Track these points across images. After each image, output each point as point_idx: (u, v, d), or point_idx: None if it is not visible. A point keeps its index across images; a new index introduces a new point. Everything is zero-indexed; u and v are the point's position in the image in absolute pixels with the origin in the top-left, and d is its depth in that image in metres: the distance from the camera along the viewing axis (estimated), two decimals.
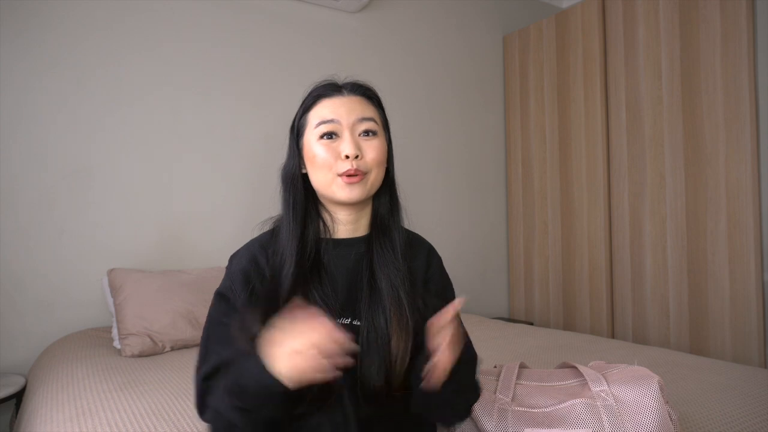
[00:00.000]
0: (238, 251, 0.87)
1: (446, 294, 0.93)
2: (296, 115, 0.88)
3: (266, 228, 0.90)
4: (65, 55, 1.98)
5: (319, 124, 0.82)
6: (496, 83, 3.16)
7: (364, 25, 2.68)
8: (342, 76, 0.90)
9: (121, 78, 2.08)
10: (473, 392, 0.87)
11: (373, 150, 0.83)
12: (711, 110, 2.21)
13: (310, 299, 0.79)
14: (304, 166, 0.86)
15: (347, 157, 0.80)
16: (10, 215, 1.87)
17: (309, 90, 0.88)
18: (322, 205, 0.87)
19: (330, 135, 0.82)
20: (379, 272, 0.83)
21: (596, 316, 2.66)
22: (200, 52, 2.24)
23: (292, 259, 0.81)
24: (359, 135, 0.83)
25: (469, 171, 3.03)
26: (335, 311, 0.79)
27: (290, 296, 0.78)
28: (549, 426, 0.85)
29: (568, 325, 2.79)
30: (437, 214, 2.89)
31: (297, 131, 0.87)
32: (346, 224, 0.87)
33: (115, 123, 2.06)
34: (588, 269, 2.70)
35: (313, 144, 0.83)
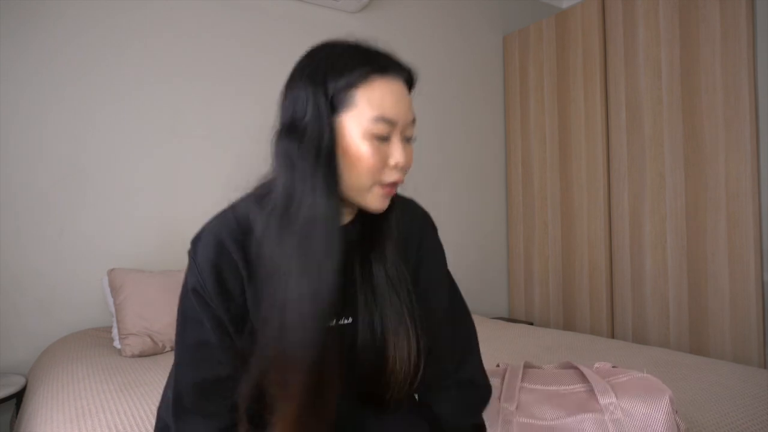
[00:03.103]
0: (202, 235, 0.73)
1: (440, 277, 0.86)
2: (325, 76, 0.67)
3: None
4: (65, 55, 1.98)
5: (378, 120, 0.66)
6: (496, 83, 3.16)
7: (364, 25, 2.68)
8: (378, 44, 0.73)
9: (121, 78, 2.08)
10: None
11: (411, 159, 0.71)
12: (711, 110, 2.21)
13: None
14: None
15: (396, 165, 0.68)
16: (10, 215, 1.87)
17: (347, 50, 0.70)
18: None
19: (384, 137, 0.67)
20: (375, 265, 0.74)
21: (596, 316, 2.66)
22: (200, 52, 2.24)
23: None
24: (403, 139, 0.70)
25: (469, 171, 3.03)
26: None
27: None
28: None
29: (568, 325, 2.79)
30: (437, 214, 2.87)
31: (331, 102, 0.67)
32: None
33: (115, 122, 2.06)
34: (588, 269, 2.70)
35: (358, 140, 0.66)
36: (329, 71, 0.67)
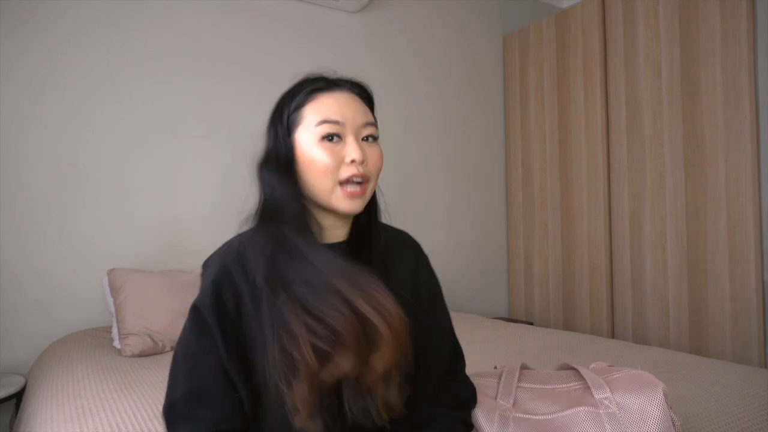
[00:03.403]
0: (211, 259, 0.80)
1: (437, 301, 0.91)
2: (282, 107, 0.79)
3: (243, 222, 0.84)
4: (65, 55, 1.98)
5: (321, 123, 0.75)
6: (496, 83, 3.16)
7: (364, 25, 2.68)
8: (331, 72, 0.83)
9: (121, 78, 2.08)
10: None
11: (375, 157, 0.78)
12: (711, 110, 2.21)
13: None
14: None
15: (352, 161, 0.75)
16: (10, 215, 1.87)
17: (298, 81, 0.81)
18: (308, 210, 0.79)
19: (332, 137, 0.75)
20: None
21: (596, 316, 2.66)
22: (200, 52, 2.24)
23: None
24: (362, 140, 0.78)
25: (469, 171, 3.03)
26: None
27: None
28: None
29: (568, 325, 2.79)
30: (437, 214, 2.89)
31: (287, 127, 0.78)
32: (330, 229, 0.81)
33: (115, 122, 2.06)
34: (588, 269, 2.70)
35: (311, 146, 0.75)
36: (284, 102, 0.79)
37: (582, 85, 2.71)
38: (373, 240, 0.83)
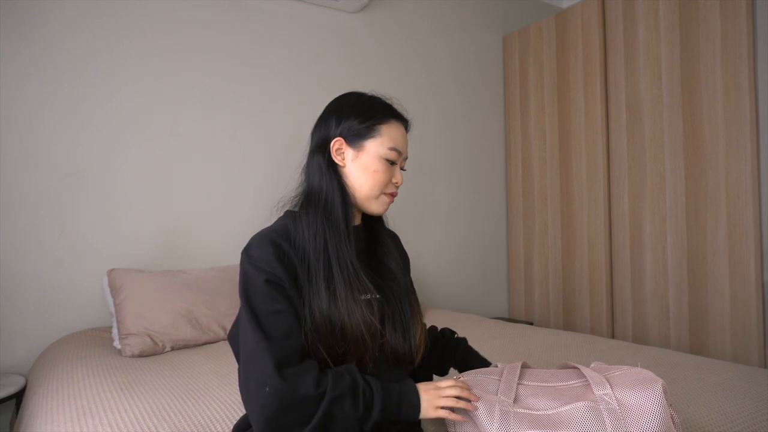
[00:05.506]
0: (253, 242, 0.90)
1: (408, 270, 1.13)
2: (354, 110, 0.96)
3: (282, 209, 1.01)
4: (65, 54, 1.98)
5: (393, 149, 0.96)
6: (496, 83, 3.16)
7: (364, 25, 2.68)
8: (397, 101, 1.02)
9: (121, 78, 2.08)
10: None
11: (401, 182, 1.01)
12: (711, 110, 2.21)
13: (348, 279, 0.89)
14: (342, 158, 0.96)
15: (396, 184, 0.99)
16: (10, 215, 1.87)
17: (372, 97, 0.99)
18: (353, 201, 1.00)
19: (392, 161, 0.97)
20: (385, 256, 1.01)
21: (596, 316, 2.66)
22: (200, 52, 2.24)
23: (346, 233, 0.92)
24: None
25: (469, 171, 3.04)
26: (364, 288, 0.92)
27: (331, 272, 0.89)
28: (551, 428, 0.85)
29: (568, 325, 2.79)
30: (437, 214, 2.89)
31: (357, 132, 0.95)
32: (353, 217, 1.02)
33: (114, 122, 2.06)
34: (588, 269, 2.70)
35: (377, 159, 0.95)
36: (357, 108, 0.97)
37: (582, 85, 2.71)
38: (381, 227, 1.08)
